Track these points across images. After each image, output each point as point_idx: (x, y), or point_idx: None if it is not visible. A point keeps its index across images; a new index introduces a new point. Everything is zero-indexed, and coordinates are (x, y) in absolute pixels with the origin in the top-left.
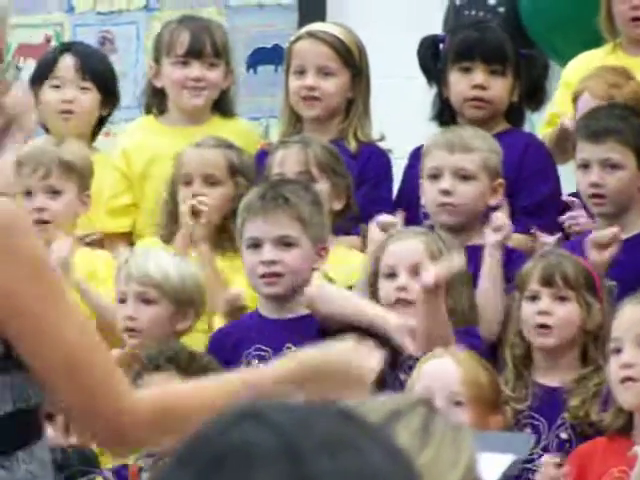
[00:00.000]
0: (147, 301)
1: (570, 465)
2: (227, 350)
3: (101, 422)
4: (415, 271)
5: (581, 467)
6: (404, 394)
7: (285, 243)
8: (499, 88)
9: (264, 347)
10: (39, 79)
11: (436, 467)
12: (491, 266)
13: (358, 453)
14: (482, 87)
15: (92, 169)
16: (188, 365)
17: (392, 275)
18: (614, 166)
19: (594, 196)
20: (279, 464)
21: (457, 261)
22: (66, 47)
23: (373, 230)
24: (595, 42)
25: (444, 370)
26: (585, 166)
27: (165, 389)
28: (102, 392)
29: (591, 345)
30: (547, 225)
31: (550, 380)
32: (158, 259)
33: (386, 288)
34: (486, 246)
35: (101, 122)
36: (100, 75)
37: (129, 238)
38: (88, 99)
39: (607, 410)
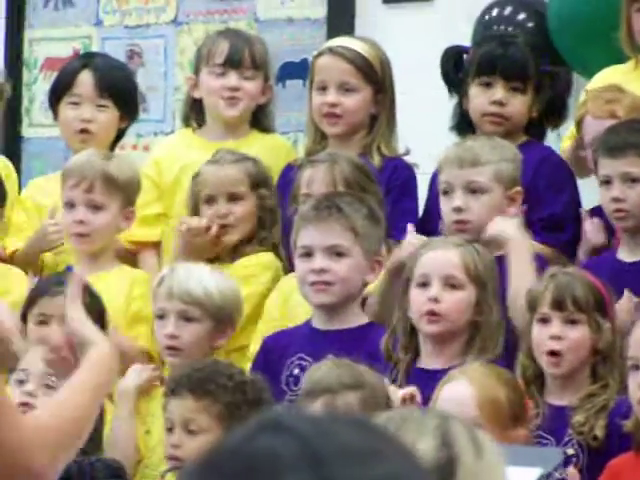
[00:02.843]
0: (188, 319)
1: None
2: (274, 357)
3: None
4: (448, 282)
5: None
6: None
7: (336, 252)
8: (518, 105)
9: (306, 357)
10: (58, 94)
11: None
12: (516, 261)
13: (382, 461)
14: (501, 103)
15: (139, 185)
16: (199, 387)
17: (424, 284)
18: (635, 180)
19: (616, 211)
20: (305, 473)
21: None
22: (85, 61)
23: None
24: (622, 57)
25: (458, 395)
26: (607, 182)
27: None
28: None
29: (600, 363)
30: (564, 240)
31: (560, 400)
32: (200, 276)
33: (418, 297)
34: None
35: (119, 135)
36: (119, 90)
37: (158, 248)
38: (106, 117)
39: (614, 424)
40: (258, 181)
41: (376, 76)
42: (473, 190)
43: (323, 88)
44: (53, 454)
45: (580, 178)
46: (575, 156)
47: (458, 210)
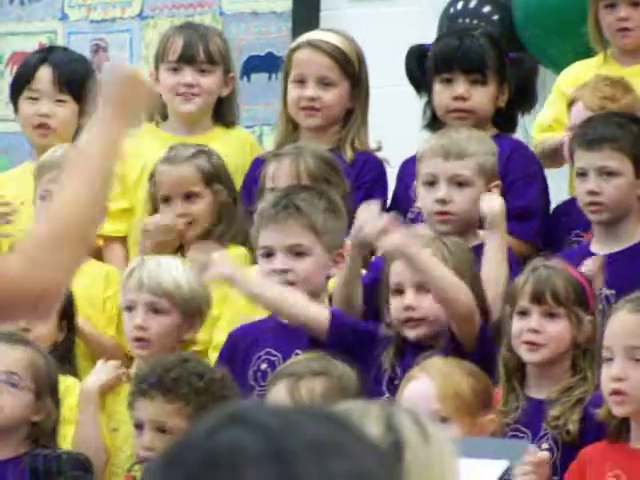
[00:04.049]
0: (157, 311)
1: (574, 467)
2: (240, 350)
3: None
4: (422, 286)
5: (582, 470)
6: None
7: (297, 252)
8: (481, 97)
9: (274, 352)
10: (17, 89)
11: None
12: (490, 248)
13: (346, 456)
14: (463, 98)
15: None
16: (171, 390)
17: (399, 291)
18: (611, 173)
19: (591, 204)
20: (268, 466)
21: None
22: (44, 56)
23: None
24: (588, 51)
25: (420, 392)
26: (583, 174)
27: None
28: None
29: (580, 357)
30: (533, 231)
31: (540, 393)
32: (170, 268)
33: (395, 304)
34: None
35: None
36: (78, 85)
37: (124, 242)
38: (65, 112)
39: (589, 417)
40: (212, 176)
41: (353, 70)
42: (457, 183)
43: (301, 82)
44: (55, 263)
45: (547, 168)
46: (549, 152)
47: (442, 202)
